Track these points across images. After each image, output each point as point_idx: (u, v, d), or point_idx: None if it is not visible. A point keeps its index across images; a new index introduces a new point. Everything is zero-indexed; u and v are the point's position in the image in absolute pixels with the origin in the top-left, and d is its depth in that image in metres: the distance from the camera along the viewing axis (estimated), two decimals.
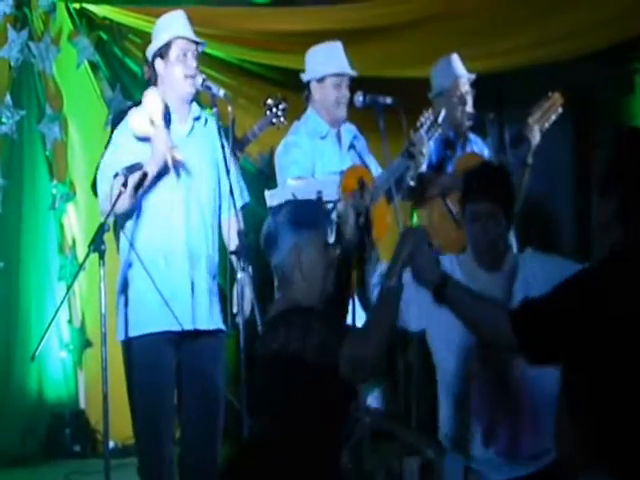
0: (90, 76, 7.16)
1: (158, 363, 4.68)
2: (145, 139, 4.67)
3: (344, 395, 3.35)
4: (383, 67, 6.90)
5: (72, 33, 7.14)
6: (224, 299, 4.81)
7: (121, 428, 6.14)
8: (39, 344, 4.74)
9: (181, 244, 4.71)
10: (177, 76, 4.77)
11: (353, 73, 5.45)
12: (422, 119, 5.30)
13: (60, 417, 6.96)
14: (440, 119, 5.28)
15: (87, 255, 4.62)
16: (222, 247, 4.89)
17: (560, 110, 5.58)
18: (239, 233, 4.66)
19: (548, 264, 3.82)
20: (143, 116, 4.64)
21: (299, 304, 3.39)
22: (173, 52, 4.78)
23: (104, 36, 7.21)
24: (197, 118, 4.85)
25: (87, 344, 7.05)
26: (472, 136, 5.82)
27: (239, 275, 4.61)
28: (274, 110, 6.31)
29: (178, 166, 4.67)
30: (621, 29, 6.77)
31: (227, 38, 6.95)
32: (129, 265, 4.72)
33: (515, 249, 4.05)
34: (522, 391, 3.75)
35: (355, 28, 6.85)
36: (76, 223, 7.14)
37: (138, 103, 6.31)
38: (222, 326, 4.79)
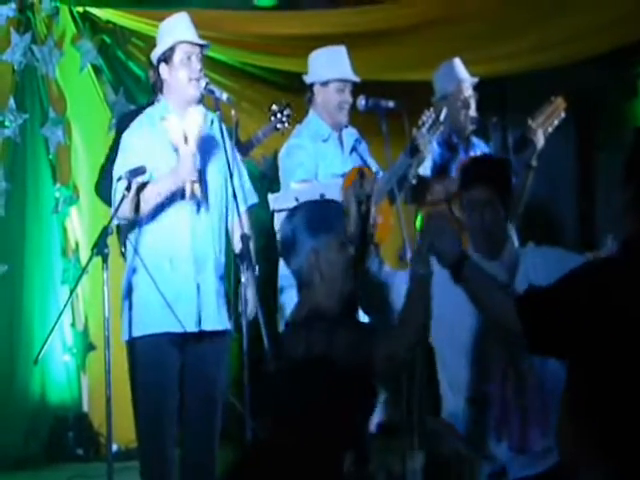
0: (93, 80, 7.16)
1: (161, 364, 4.69)
2: (175, 149, 4.66)
3: (365, 397, 3.36)
4: (385, 71, 6.91)
5: (75, 37, 7.15)
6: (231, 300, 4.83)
7: (124, 431, 6.15)
8: (42, 347, 4.75)
9: (187, 247, 4.72)
10: (182, 80, 4.77)
11: (357, 79, 5.46)
12: (424, 118, 5.30)
13: (63, 420, 6.96)
14: (442, 117, 5.28)
15: (90, 258, 4.63)
16: (229, 249, 4.90)
17: (563, 115, 5.58)
18: (242, 236, 4.66)
19: (550, 257, 3.82)
20: (179, 126, 4.62)
21: (319, 308, 3.40)
22: (177, 56, 4.78)
23: (107, 39, 7.22)
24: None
25: (90, 347, 7.05)
26: (475, 140, 5.82)
27: (242, 278, 4.62)
28: (279, 116, 6.32)
29: (193, 198, 4.68)
30: (623, 33, 6.77)
31: (229, 42, 6.95)
32: (135, 267, 4.73)
33: (516, 245, 4.03)
34: (532, 384, 3.75)
35: (357, 32, 6.85)
36: (79, 226, 7.14)
37: (141, 107, 6.35)
38: (230, 327, 4.81)
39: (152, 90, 5.21)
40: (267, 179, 5.22)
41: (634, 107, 7.62)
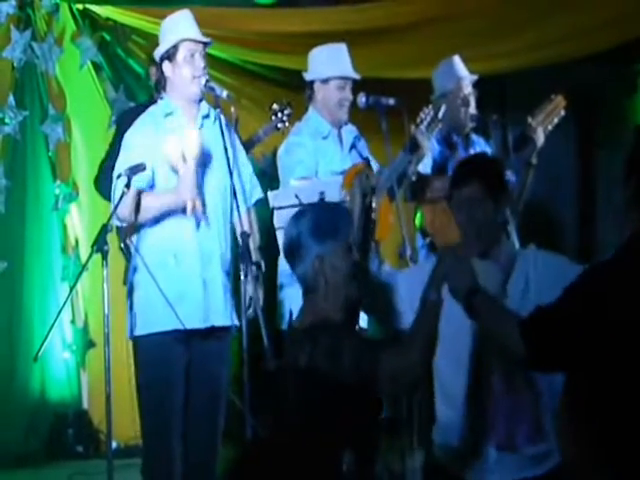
0: (93, 77, 7.16)
1: (168, 362, 4.69)
2: (174, 170, 4.68)
3: (370, 406, 3.36)
4: (385, 68, 6.91)
5: (75, 34, 7.14)
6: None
7: (124, 428, 6.16)
8: (42, 344, 4.75)
9: (192, 243, 4.73)
10: (185, 77, 4.78)
11: (357, 77, 5.46)
12: (422, 115, 5.30)
13: (63, 417, 6.96)
14: (440, 114, 5.28)
15: (90, 255, 4.64)
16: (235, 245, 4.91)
17: (563, 113, 5.58)
18: (242, 234, 4.66)
19: (551, 263, 3.80)
20: (178, 146, 4.63)
21: (324, 316, 3.39)
22: (181, 54, 4.79)
23: (107, 37, 7.21)
24: (206, 116, 4.87)
25: (90, 344, 7.06)
26: (475, 137, 5.82)
27: (242, 276, 4.63)
28: (279, 115, 6.33)
29: (195, 214, 4.69)
30: (623, 30, 6.77)
31: (229, 39, 6.94)
32: (139, 265, 4.73)
33: (517, 246, 4.02)
34: (520, 383, 3.74)
35: (357, 29, 6.85)
36: (79, 223, 7.14)
37: (141, 104, 6.36)
38: (237, 322, 4.81)
39: (155, 88, 5.21)
40: (267, 177, 5.22)
41: (634, 104, 7.62)
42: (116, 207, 4.61)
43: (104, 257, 4.52)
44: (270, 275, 5.27)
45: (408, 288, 3.81)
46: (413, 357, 3.25)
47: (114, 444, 5.65)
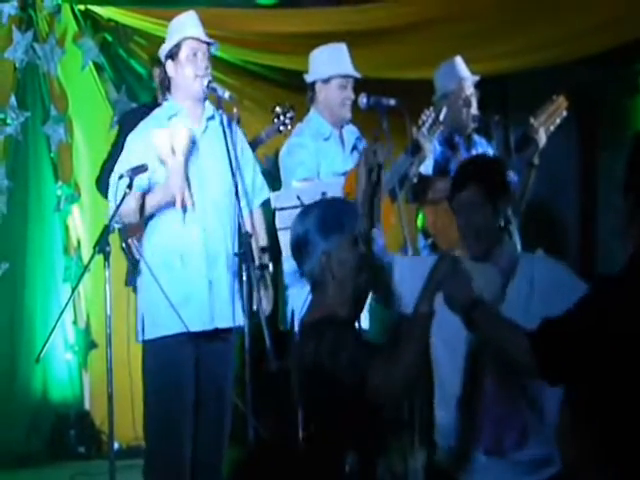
0: (95, 77, 7.16)
1: (177, 365, 4.70)
2: (162, 162, 4.69)
3: (367, 410, 3.36)
4: (386, 69, 6.90)
5: (77, 34, 7.15)
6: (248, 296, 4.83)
7: (126, 429, 6.16)
8: (44, 345, 4.76)
9: (197, 243, 4.74)
10: (188, 76, 4.80)
11: (358, 75, 5.46)
12: (423, 117, 5.29)
13: (65, 418, 6.96)
14: (442, 117, 5.28)
15: (92, 256, 4.64)
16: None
17: (565, 114, 5.58)
18: (244, 234, 4.67)
19: (557, 271, 3.79)
20: (166, 139, 4.64)
21: (331, 310, 3.40)
22: (183, 53, 4.81)
23: (109, 37, 7.22)
24: (211, 118, 4.87)
25: (92, 345, 7.06)
26: (477, 138, 5.82)
27: (244, 277, 4.64)
28: (282, 118, 6.34)
29: (186, 207, 4.69)
30: (625, 30, 6.76)
31: (231, 39, 6.94)
32: (147, 267, 4.74)
33: (519, 247, 4.00)
34: (513, 390, 3.73)
35: (358, 30, 6.84)
36: (81, 224, 7.15)
37: (143, 105, 6.36)
38: (243, 324, 4.80)
39: (160, 89, 5.22)
40: (269, 178, 5.22)
41: (636, 105, 7.61)
42: (118, 207, 4.61)
43: (106, 258, 4.53)
44: (273, 276, 5.27)
45: (411, 272, 3.82)
46: (398, 370, 3.21)
47: (116, 445, 5.66)
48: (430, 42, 6.86)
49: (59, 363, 7.01)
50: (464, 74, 5.75)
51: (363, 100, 5.33)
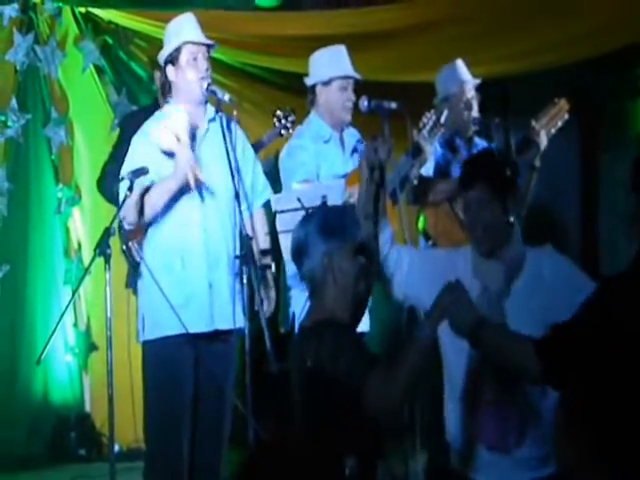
0: (96, 80, 7.16)
1: (175, 364, 4.71)
2: (170, 154, 4.69)
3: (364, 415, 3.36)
4: (387, 72, 6.90)
5: (78, 37, 7.15)
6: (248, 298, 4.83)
7: (126, 432, 6.16)
8: (45, 347, 4.76)
9: (198, 245, 4.74)
10: (189, 80, 4.80)
11: (359, 76, 5.46)
12: (424, 120, 5.29)
13: (65, 420, 6.96)
14: (442, 119, 5.28)
15: (93, 259, 4.64)
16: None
17: (566, 116, 5.57)
18: (244, 236, 4.67)
19: (565, 267, 3.79)
20: (169, 131, 4.64)
21: (332, 314, 3.40)
22: (183, 57, 4.81)
23: (110, 40, 7.22)
24: (212, 119, 4.87)
25: (92, 347, 7.06)
26: (478, 140, 5.82)
27: (244, 279, 4.64)
28: (283, 122, 6.33)
29: (200, 186, 4.69)
30: (627, 33, 6.76)
31: (231, 42, 6.93)
32: (147, 268, 4.74)
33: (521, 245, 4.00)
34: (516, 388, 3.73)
35: (359, 33, 6.84)
36: (82, 227, 7.15)
37: (144, 107, 6.36)
38: (244, 325, 4.80)
39: (161, 93, 5.22)
40: (268, 180, 5.23)
41: (637, 107, 7.61)
42: (119, 209, 4.62)
43: (106, 260, 4.53)
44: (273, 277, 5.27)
45: (421, 265, 3.84)
46: (395, 391, 3.21)
47: (116, 447, 5.66)
48: (431, 45, 6.86)
49: (60, 365, 7.01)
50: (465, 77, 5.75)
51: (364, 103, 5.31)
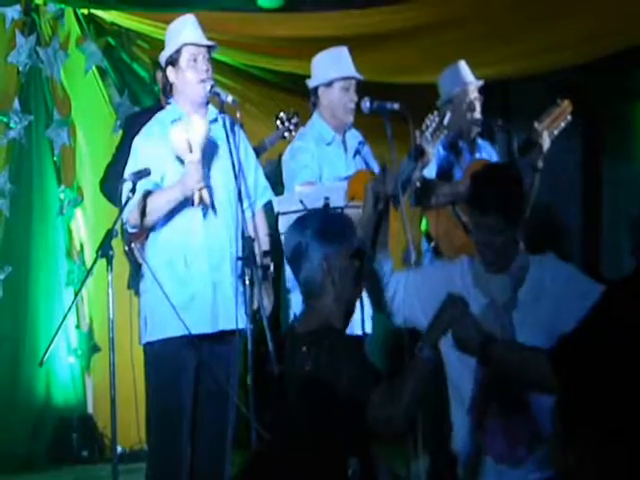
0: (98, 81, 7.18)
1: (178, 366, 4.71)
2: (180, 160, 4.68)
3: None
4: (390, 73, 6.90)
5: (80, 38, 7.16)
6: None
7: (129, 433, 6.16)
8: (47, 349, 4.76)
9: (201, 246, 4.74)
10: (189, 82, 4.79)
11: (361, 77, 5.46)
12: (427, 122, 5.28)
13: (68, 422, 6.97)
14: (445, 121, 5.27)
15: (95, 260, 4.63)
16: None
17: (569, 118, 5.56)
18: (247, 238, 4.66)
19: (567, 272, 3.80)
20: (184, 136, 4.62)
21: (330, 319, 3.40)
22: (183, 58, 4.80)
23: (112, 41, 7.23)
24: (213, 121, 4.87)
25: (95, 349, 7.07)
26: (481, 142, 5.82)
27: (247, 280, 4.63)
28: (286, 124, 6.33)
29: (203, 206, 4.69)
30: (629, 35, 6.75)
31: (233, 43, 6.94)
32: (150, 270, 4.74)
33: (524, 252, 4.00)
34: (523, 397, 3.73)
35: (361, 34, 6.84)
36: (84, 228, 7.16)
37: (147, 108, 6.36)
38: (247, 326, 4.80)
39: (163, 93, 5.22)
40: (271, 182, 5.22)
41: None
42: (121, 211, 4.62)
43: (109, 262, 4.52)
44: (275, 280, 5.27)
45: (418, 284, 3.84)
46: (398, 409, 3.21)
47: (119, 449, 5.66)
48: (433, 47, 6.86)
49: (62, 367, 7.02)
50: (468, 79, 5.74)
51: (366, 104, 5.30)
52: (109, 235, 4.56)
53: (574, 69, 6.95)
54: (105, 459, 6.65)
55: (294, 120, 6.31)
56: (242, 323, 4.71)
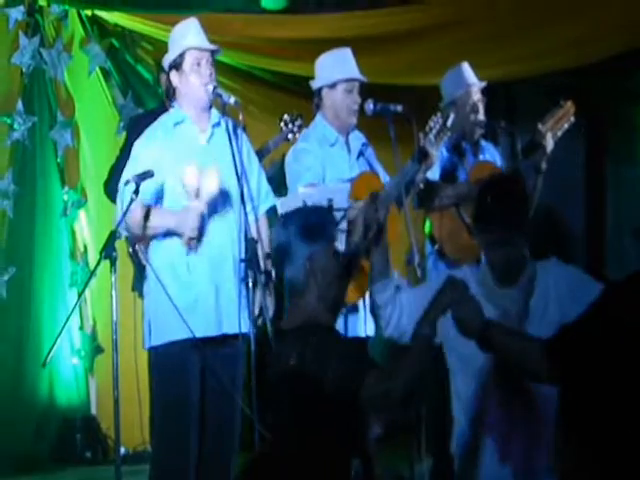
0: (102, 83, 7.18)
1: (183, 369, 4.70)
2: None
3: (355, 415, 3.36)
4: (393, 74, 6.90)
5: (84, 40, 7.17)
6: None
7: (132, 434, 6.16)
8: (51, 350, 4.76)
9: (204, 248, 4.73)
10: (193, 86, 4.79)
11: (364, 78, 5.46)
12: (431, 123, 5.28)
13: (71, 423, 6.97)
14: (449, 123, 5.26)
15: (98, 262, 4.64)
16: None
17: (573, 119, 5.57)
18: (250, 241, 4.67)
19: (572, 275, 3.81)
20: (195, 178, 4.63)
21: (314, 316, 3.40)
22: (187, 63, 4.80)
23: (116, 43, 7.23)
24: (216, 124, 4.87)
25: (98, 350, 7.07)
26: (484, 143, 5.81)
27: (250, 283, 4.64)
28: (290, 126, 6.33)
29: (190, 247, 4.70)
30: (633, 37, 6.75)
31: (236, 45, 6.95)
32: (153, 272, 4.74)
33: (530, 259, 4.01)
34: (535, 405, 3.73)
35: (364, 35, 6.85)
36: (87, 230, 7.16)
37: (151, 110, 6.36)
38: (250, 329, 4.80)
39: (166, 97, 5.22)
40: (274, 183, 5.22)
41: None
42: (124, 214, 4.61)
43: (112, 263, 4.53)
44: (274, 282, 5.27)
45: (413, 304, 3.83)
46: (396, 386, 3.22)
47: (122, 450, 5.67)
48: (437, 48, 6.86)
49: (66, 368, 7.03)
50: (471, 80, 5.74)
51: (370, 106, 5.32)
52: (113, 236, 4.57)
53: (577, 71, 6.94)
54: (108, 460, 6.64)
55: (298, 122, 6.31)
56: (245, 326, 4.72)
